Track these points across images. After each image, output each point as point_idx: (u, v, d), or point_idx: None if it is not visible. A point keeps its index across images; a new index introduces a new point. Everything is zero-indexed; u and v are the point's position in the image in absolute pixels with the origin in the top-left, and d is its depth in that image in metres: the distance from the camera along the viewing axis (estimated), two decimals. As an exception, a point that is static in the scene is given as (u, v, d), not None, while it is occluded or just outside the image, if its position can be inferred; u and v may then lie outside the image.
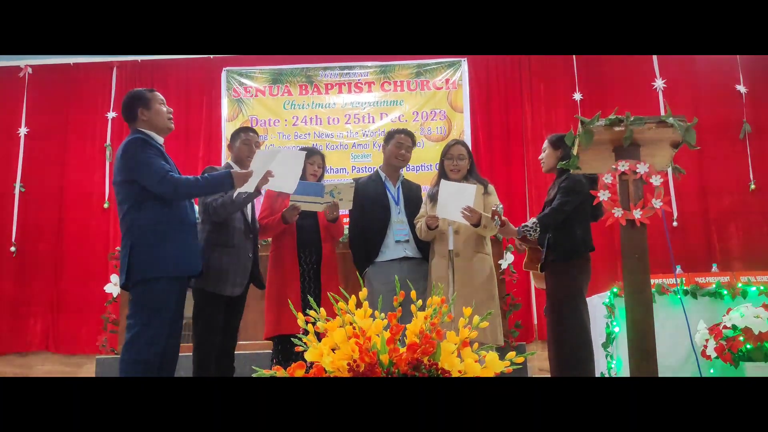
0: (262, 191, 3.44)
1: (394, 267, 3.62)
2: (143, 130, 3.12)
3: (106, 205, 6.79)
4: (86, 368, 6.30)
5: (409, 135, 3.89)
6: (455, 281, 3.50)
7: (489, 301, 3.57)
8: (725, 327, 4.46)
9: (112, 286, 5.30)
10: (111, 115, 6.99)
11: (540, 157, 3.79)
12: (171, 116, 3.22)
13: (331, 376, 2.11)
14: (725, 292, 4.82)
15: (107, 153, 6.90)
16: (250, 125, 6.85)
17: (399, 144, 3.82)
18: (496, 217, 3.42)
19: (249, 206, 3.55)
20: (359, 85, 7.17)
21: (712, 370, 4.56)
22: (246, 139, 3.62)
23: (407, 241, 3.72)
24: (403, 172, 3.98)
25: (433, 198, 3.68)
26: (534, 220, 3.51)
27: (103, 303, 5.55)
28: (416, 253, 3.71)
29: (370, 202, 3.74)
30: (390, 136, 3.89)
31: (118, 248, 4.98)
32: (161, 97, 3.21)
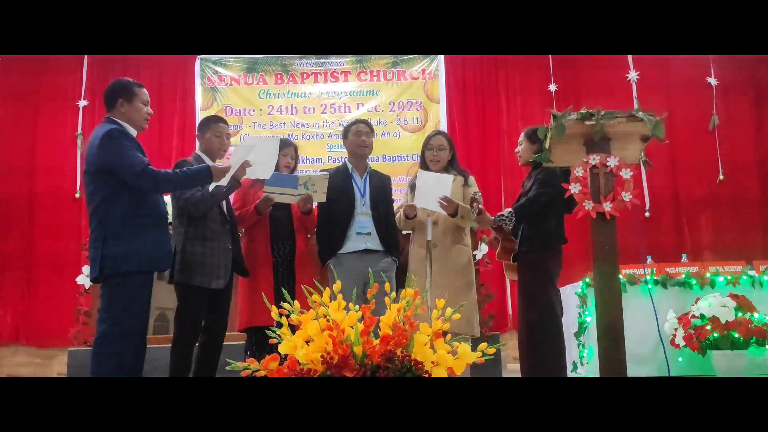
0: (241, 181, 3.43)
1: (355, 259, 3.62)
2: (118, 120, 3.08)
3: (77, 195, 6.70)
4: (58, 360, 6.23)
5: (364, 122, 3.90)
6: (432, 272, 3.52)
7: (466, 292, 3.59)
8: (693, 316, 4.56)
9: (84, 278, 5.23)
10: (82, 103, 6.89)
11: (516, 150, 3.81)
12: (149, 118, 3.19)
13: (305, 368, 2.12)
14: (694, 282, 4.93)
15: (78, 142, 6.79)
16: (224, 114, 6.80)
17: (358, 132, 3.81)
18: (474, 204, 3.44)
19: (223, 197, 3.53)
20: (335, 74, 7.15)
21: (680, 359, 4.67)
22: (217, 130, 3.57)
23: (369, 233, 3.71)
24: (372, 164, 3.95)
25: (414, 188, 3.69)
26: (510, 210, 3.53)
27: (75, 294, 5.49)
28: (378, 246, 3.70)
29: (336, 194, 3.73)
30: (346, 129, 3.91)
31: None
32: (146, 96, 3.17)
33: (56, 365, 6.31)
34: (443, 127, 6.82)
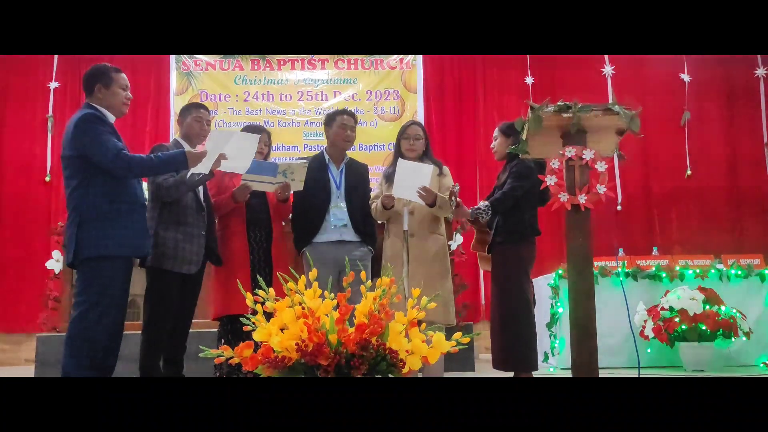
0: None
1: (331, 248, 3.62)
2: (96, 105, 3.06)
3: (47, 179, 6.57)
4: (26, 346, 6.14)
5: (351, 115, 3.86)
6: (409, 261, 3.53)
7: (442, 282, 3.61)
8: (663, 308, 4.64)
9: (54, 262, 5.14)
10: (53, 85, 6.74)
11: (492, 146, 3.85)
12: (128, 102, 3.16)
13: (280, 356, 2.11)
14: (664, 274, 5.01)
15: (49, 124, 6.65)
16: (199, 100, 6.70)
17: (343, 125, 3.78)
18: (452, 197, 3.45)
19: (199, 184, 3.50)
20: (312, 62, 7.10)
21: (649, 350, 4.76)
22: (197, 116, 3.55)
23: (345, 225, 3.71)
24: (349, 153, 3.93)
25: (389, 178, 3.68)
26: (486, 203, 3.56)
27: (44, 279, 5.39)
28: (354, 237, 3.71)
29: (311, 185, 3.71)
30: (331, 118, 3.85)
31: (60, 223, 4.82)
32: (125, 81, 3.14)
33: (24, 351, 6.21)
34: (420, 117, 6.82)
